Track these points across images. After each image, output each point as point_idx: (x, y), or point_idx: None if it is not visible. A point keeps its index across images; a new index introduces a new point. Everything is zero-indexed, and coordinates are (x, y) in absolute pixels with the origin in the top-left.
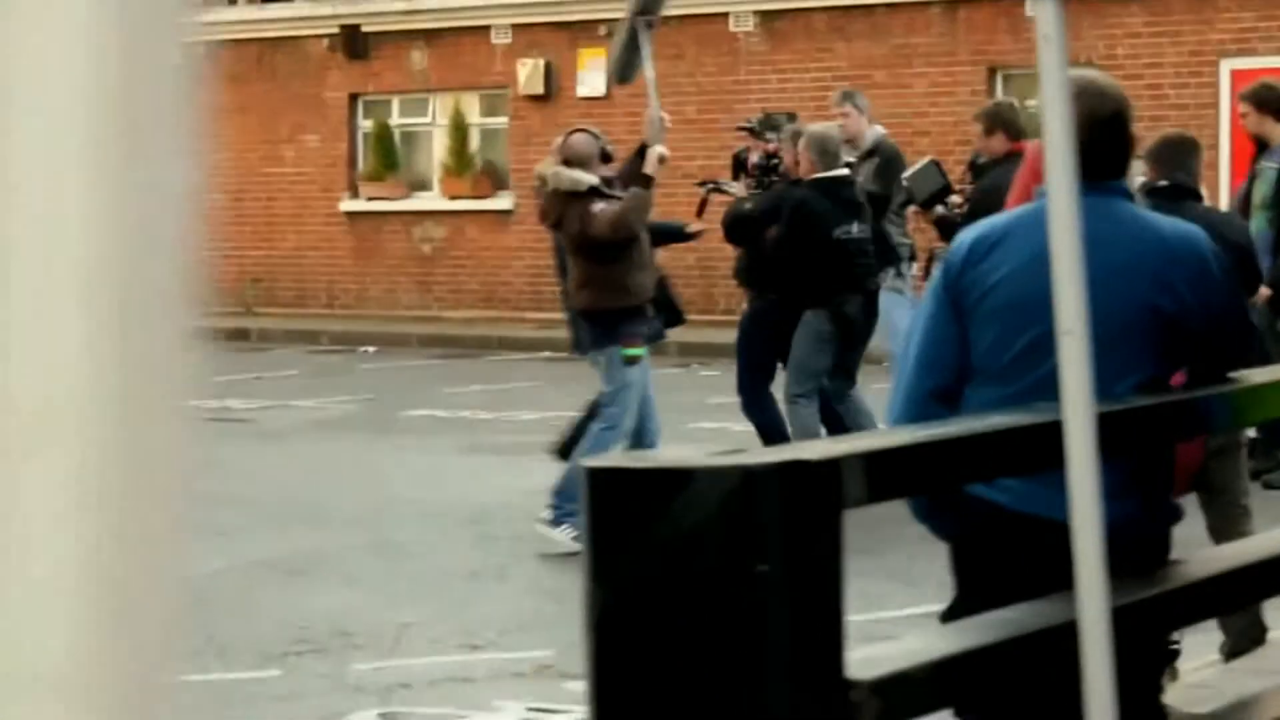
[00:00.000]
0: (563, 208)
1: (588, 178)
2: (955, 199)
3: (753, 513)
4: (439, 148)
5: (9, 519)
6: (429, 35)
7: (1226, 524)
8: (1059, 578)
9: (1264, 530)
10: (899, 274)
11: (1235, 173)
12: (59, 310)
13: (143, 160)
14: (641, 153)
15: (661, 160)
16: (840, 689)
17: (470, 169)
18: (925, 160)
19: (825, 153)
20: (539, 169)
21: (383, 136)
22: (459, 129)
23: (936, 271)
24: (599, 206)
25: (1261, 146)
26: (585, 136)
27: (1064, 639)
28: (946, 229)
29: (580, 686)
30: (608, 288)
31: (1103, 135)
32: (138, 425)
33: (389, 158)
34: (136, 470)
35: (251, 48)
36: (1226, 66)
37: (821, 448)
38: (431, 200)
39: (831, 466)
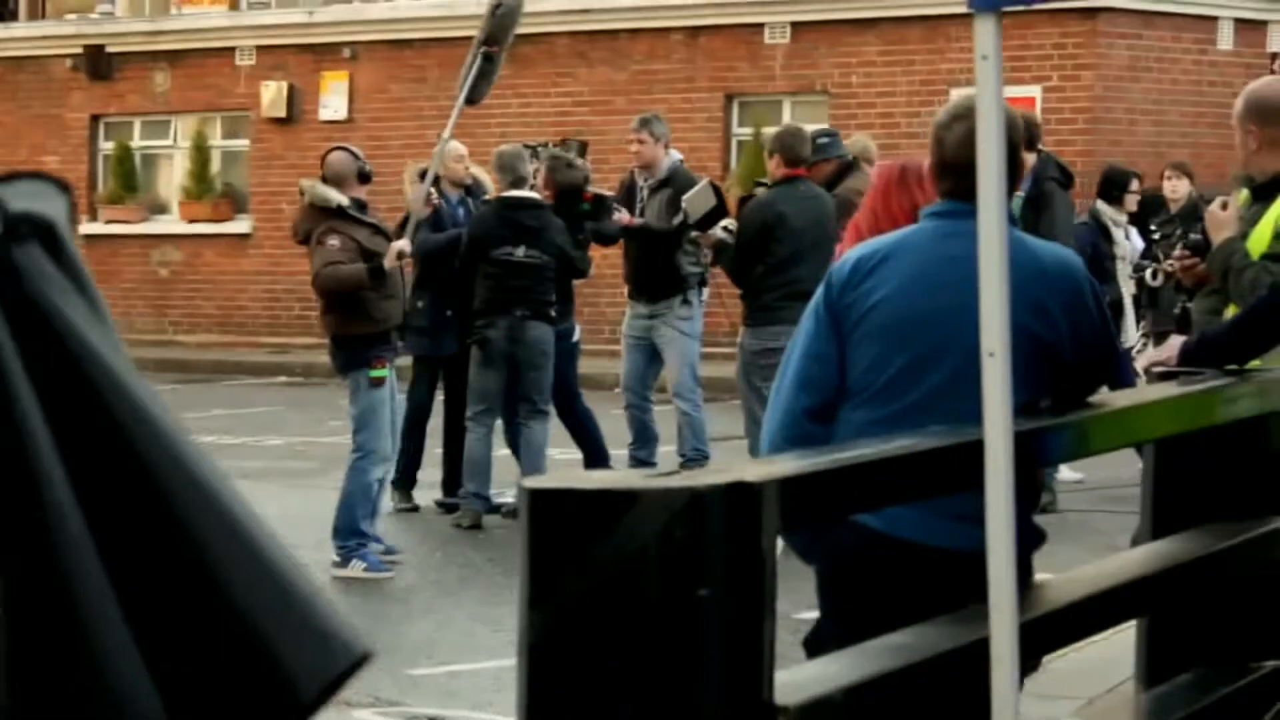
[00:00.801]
0: (310, 225)
1: (336, 196)
2: (729, 221)
3: (698, 535)
4: (179, 170)
5: None
6: (172, 56)
7: None
8: (933, 603)
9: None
10: (685, 301)
11: None
12: None
13: None
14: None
15: (400, 256)
16: (769, 715)
17: (210, 192)
18: (703, 181)
19: (503, 170)
20: (302, 182)
21: (123, 159)
22: (200, 151)
23: (818, 290)
24: (333, 242)
25: None
26: (343, 155)
27: (971, 662)
28: (721, 251)
29: (367, 715)
30: (352, 314)
31: None
32: None
33: (129, 180)
34: None
35: None
36: (957, 95)
37: (761, 469)
38: (170, 223)
39: (772, 488)
